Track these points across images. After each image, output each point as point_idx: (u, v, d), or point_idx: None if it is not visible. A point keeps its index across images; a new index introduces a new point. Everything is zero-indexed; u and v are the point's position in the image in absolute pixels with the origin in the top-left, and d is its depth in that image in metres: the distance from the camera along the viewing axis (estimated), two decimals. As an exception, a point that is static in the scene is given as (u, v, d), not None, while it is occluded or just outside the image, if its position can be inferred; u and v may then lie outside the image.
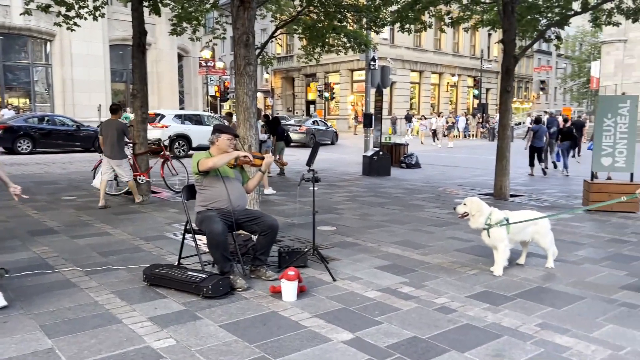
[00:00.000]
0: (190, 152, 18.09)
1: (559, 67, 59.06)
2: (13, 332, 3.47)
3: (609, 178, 11.39)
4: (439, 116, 29.40)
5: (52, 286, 4.42)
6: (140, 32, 9.46)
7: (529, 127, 13.20)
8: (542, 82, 36.28)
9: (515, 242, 5.09)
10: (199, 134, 18.05)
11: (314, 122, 27.39)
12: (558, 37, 12.12)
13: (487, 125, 32.88)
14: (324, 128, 27.23)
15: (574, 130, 15.11)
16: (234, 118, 9.18)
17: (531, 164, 14.19)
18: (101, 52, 24.67)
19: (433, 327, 3.64)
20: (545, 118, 19.02)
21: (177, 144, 18.22)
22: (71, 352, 3.19)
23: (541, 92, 37.48)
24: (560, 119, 18.38)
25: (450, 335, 3.52)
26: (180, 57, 29.85)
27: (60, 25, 11.48)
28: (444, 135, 28.10)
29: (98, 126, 13.25)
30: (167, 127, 18.18)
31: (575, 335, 3.53)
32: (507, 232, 4.91)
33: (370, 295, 4.31)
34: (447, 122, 28.91)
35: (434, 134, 28.06)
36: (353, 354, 3.21)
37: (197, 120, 19.78)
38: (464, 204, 5.03)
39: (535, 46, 48.35)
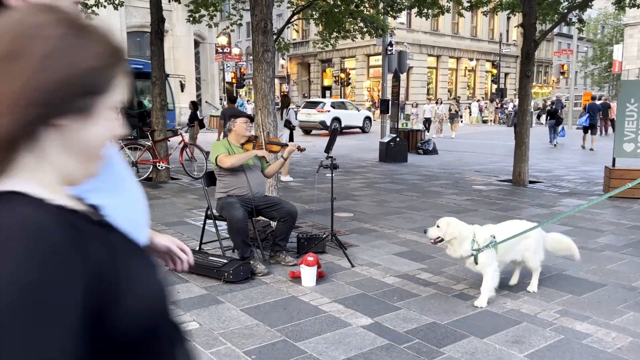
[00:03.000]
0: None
1: (580, 51, 57.90)
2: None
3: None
4: (437, 103, 25.24)
5: (78, 270, 4.53)
6: (158, 19, 9.51)
7: (513, 108, 18.49)
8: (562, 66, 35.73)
9: (505, 263, 4.09)
10: (345, 116, 24.04)
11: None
12: (580, 20, 11.86)
13: (506, 111, 32.32)
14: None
15: (559, 111, 18.95)
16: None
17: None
18: (119, 39, 24.81)
19: (452, 313, 3.67)
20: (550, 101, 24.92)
21: (333, 124, 22.63)
22: (98, 334, 3.29)
23: (561, 77, 36.80)
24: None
25: (469, 321, 3.54)
26: (196, 44, 29.89)
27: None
28: (451, 122, 23.71)
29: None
30: (329, 111, 23.40)
31: (596, 323, 3.53)
32: (495, 252, 3.90)
33: (389, 281, 4.34)
34: (449, 110, 24.28)
35: (428, 122, 24.33)
36: (372, 338, 3.25)
37: (342, 106, 25.05)
38: (437, 226, 3.95)
39: (556, 29, 47.36)
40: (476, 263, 3.87)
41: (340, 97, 39.12)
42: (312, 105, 24.33)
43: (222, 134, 10.20)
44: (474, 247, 3.81)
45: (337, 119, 23.51)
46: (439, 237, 3.90)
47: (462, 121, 29.90)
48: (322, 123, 23.05)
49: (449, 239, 3.86)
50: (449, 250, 3.95)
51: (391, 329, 3.40)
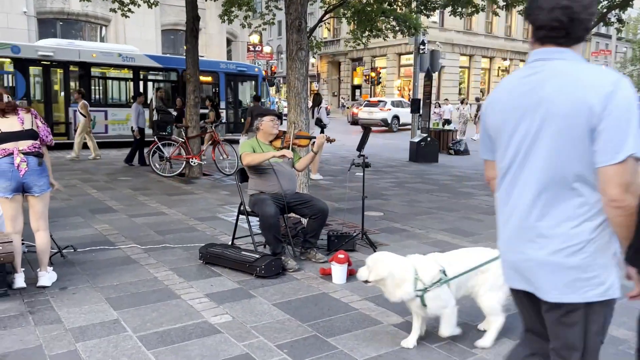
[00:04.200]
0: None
1: (619, 52, 56.28)
2: (82, 302, 3.71)
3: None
4: (462, 103, 23.53)
5: (115, 262, 4.67)
6: (193, 17, 9.67)
7: None
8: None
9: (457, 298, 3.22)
10: (403, 114, 25.98)
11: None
12: (619, 20, 11.55)
13: None
14: None
15: None
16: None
17: None
18: (153, 37, 25.27)
19: (484, 315, 3.63)
20: None
21: (393, 121, 26.19)
22: (135, 323, 3.39)
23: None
24: None
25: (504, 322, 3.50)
26: (228, 42, 30.20)
27: (115, 12, 11.87)
28: (476, 124, 21.68)
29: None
30: (389, 110, 26.43)
31: (632, 328, 3.44)
32: (449, 288, 3.11)
33: (420, 280, 4.33)
34: (476, 111, 22.49)
35: (447, 124, 21.69)
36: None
37: (401, 104, 27.29)
38: (368, 267, 3.14)
39: (594, 29, 46.13)
40: (424, 305, 3.04)
41: (370, 96, 39.08)
42: (374, 104, 27.50)
43: (246, 130, 10.99)
44: (418, 287, 3.00)
45: (396, 117, 26.49)
46: (368, 280, 3.08)
47: None
48: (384, 120, 26.13)
49: (377, 280, 3.04)
50: (387, 295, 3.09)
51: (422, 328, 3.39)
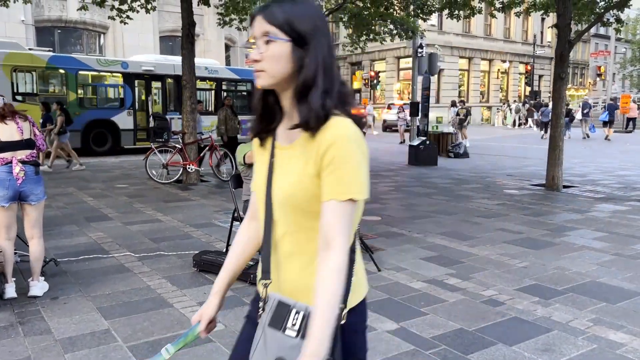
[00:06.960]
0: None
1: (618, 52, 56.24)
2: (72, 312, 3.66)
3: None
4: (452, 106, 20.75)
5: (108, 270, 4.62)
6: (189, 23, 9.66)
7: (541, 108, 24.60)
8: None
9: None
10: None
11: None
12: (618, 20, 11.50)
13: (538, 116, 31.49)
14: None
15: (572, 111, 23.78)
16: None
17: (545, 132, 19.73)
18: (152, 44, 25.32)
19: (480, 320, 3.59)
20: (581, 103, 26.91)
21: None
22: (126, 333, 3.34)
23: (598, 79, 35.78)
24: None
25: (498, 328, 3.46)
26: (227, 48, 30.24)
27: (114, 19, 11.87)
28: (459, 128, 18.52)
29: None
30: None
31: (631, 332, 3.40)
32: None
33: (416, 286, 4.28)
34: (457, 114, 19.08)
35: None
36: (398, 343, 3.21)
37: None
38: None
39: (593, 30, 46.12)
40: None
41: (370, 100, 39.12)
42: (401, 107, 28.65)
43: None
44: None
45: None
46: None
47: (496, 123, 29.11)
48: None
49: None
50: None
51: (417, 334, 3.34)
